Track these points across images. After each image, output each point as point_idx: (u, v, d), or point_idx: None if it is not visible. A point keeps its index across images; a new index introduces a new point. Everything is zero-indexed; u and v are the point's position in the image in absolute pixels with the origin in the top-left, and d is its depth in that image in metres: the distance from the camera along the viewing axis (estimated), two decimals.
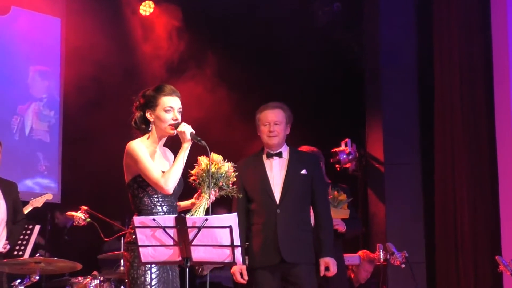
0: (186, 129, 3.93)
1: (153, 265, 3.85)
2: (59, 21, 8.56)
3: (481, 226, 7.51)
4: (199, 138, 3.94)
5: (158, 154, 4.05)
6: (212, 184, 3.95)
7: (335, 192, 5.89)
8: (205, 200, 3.95)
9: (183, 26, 8.39)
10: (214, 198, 4.00)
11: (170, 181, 3.88)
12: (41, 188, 8.21)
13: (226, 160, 4.04)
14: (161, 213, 3.93)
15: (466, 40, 7.77)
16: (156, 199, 3.95)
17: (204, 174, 3.96)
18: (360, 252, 7.48)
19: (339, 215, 5.82)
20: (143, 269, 3.86)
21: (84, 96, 7.92)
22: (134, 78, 7.96)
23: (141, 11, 8.69)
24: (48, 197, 6.63)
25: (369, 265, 7.29)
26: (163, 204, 3.97)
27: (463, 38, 7.78)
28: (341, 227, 5.83)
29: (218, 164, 3.99)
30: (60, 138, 8.54)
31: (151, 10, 8.67)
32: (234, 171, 4.04)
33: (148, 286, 3.86)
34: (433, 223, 7.84)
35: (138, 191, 3.96)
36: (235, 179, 4.06)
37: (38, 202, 6.54)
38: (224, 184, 4.00)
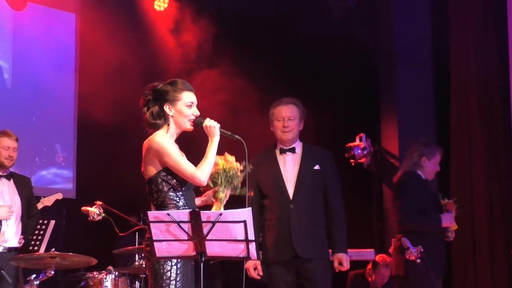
0: (216, 124, 3.99)
1: (179, 260, 3.86)
2: (74, 17, 8.59)
3: (498, 221, 7.47)
4: (230, 133, 4.01)
5: (177, 148, 4.07)
6: (228, 184, 3.98)
7: (448, 200, 5.85)
8: (222, 200, 3.98)
9: (199, 21, 8.37)
10: (227, 198, 4.04)
11: (206, 173, 3.92)
12: (56, 182, 8.25)
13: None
14: (187, 207, 3.92)
15: (483, 35, 7.71)
16: (180, 193, 3.95)
17: (219, 174, 3.98)
18: (377, 257, 7.46)
19: (455, 226, 5.80)
20: (170, 265, 3.87)
21: (99, 91, 7.92)
22: (151, 72, 7.95)
23: (156, 7, 8.69)
24: (58, 196, 6.66)
25: (386, 269, 7.26)
26: (186, 197, 3.97)
27: (480, 32, 7.73)
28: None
29: (232, 164, 4.01)
30: (75, 133, 8.55)
31: (165, 5, 8.66)
32: (241, 171, 4.03)
33: (174, 281, 3.86)
34: None
35: (162, 185, 3.95)
36: (241, 179, 4.05)
37: (48, 201, 6.57)
38: (236, 184, 4.02)
